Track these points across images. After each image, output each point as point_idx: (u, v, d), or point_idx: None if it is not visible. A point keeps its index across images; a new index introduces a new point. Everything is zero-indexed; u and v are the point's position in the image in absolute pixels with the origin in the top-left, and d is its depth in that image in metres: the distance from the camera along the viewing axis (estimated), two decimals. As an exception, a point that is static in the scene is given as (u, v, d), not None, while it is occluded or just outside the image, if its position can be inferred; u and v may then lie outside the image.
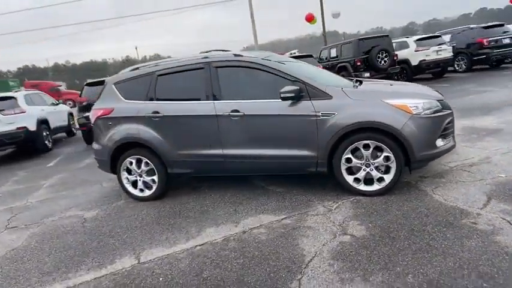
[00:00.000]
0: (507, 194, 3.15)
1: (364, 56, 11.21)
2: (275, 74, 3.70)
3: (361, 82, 4.07)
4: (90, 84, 9.02)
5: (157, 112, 4.04)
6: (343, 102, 3.46)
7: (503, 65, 13.56)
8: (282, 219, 3.34)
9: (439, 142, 3.50)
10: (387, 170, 3.46)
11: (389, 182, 3.46)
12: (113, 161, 4.32)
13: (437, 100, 3.58)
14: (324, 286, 2.27)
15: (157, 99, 4.11)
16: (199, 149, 3.98)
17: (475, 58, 12.70)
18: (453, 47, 12.68)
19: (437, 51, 12.16)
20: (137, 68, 4.43)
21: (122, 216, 3.96)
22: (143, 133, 4.10)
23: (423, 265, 2.33)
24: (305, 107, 3.53)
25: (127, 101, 4.25)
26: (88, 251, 3.23)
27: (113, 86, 4.41)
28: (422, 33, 17.63)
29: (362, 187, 3.56)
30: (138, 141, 4.14)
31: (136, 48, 68.35)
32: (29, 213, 4.52)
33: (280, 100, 3.57)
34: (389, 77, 11.06)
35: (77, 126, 9.90)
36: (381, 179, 3.49)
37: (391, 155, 3.38)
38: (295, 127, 3.60)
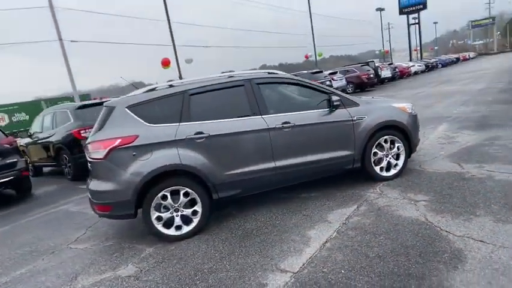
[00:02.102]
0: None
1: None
2: (311, 88, 4.23)
3: None
4: None
5: (201, 132, 3.70)
6: (368, 108, 4.34)
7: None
8: (358, 207, 3.79)
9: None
10: (398, 157, 4.52)
11: (402, 166, 4.51)
12: (138, 199, 3.54)
13: None
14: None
15: (195, 120, 3.76)
16: (250, 165, 3.87)
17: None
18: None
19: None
20: (154, 89, 3.88)
21: (177, 270, 3.28)
22: (185, 158, 3.62)
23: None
24: (342, 114, 4.20)
25: (154, 125, 3.65)
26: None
27: (127, 110, 3.67)
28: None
29: (385, 173, 4.46)
30: (178, 168, 3.61)
31: None
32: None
33: (320, 110, 4.12)
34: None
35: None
36: (396, 165, 4.51)
37: (401, 144, 4.47)
38: (337, 131, 4.19)
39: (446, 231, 2.99)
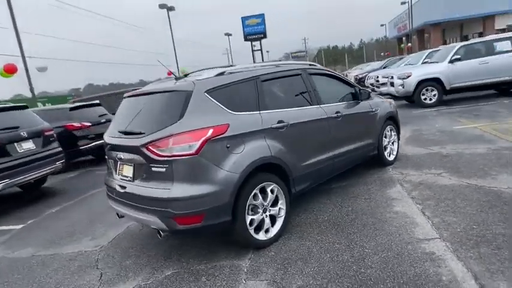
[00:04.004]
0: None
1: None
2: (342, 81, 4.45)
3: None
4: None
5: (282, 121, 3.36)
6: (376, 101, 4.87)
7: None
8: (402, 185, 4.20)
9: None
10: (393, 144, 5.23)
11: (397, 151, 5.24)
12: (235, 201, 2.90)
13: None
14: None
15: (270, 108, 3.37)
16: (317, 155, 3.74)
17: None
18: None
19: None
20: (223, 73, 3.25)
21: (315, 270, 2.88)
22: (274, 149, 3.20)
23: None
24: (367, 105, 4.58)
25: (237, 112, 3.07)
26: None
27: (207, 95, 2.96)
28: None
29: (390, 158, 5.08)
30: (270, 161, 3.16)
31: None
32: None
33: (352, 101, 4.41)
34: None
35: None
36: (392, 150, 5.19)
37: (395, 132, 5.21)
38: (368, 121, 4.55)
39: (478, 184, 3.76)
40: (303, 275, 2.65)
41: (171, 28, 35.56)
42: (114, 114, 3.80)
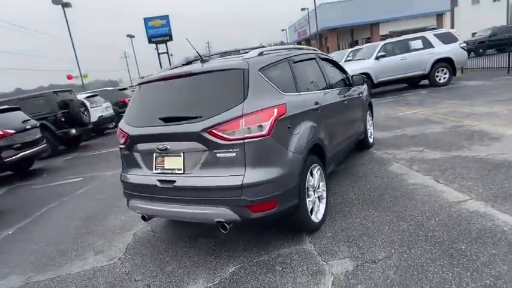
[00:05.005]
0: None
1: (65, 111, 9.76)
2: (338, 67, 4.62)
3: None
4: None
5: (317, 103, 3.35)
6: (361, 88, 5.20)
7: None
8: (394, 162, 4.59)
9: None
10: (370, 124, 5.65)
11: (373, 134, 5.70)
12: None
13: None
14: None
15: (302, 90, 3.32)
16: (339, 136, 3.86)
17: (122, 114, 14.88)
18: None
19: (106, 107, 13.02)
20: (262, 53, 3.06)
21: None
22: (317, 131, 3.18)
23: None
24: (357, 90, 4.85)
25: (285, 93, 2.95)
26: None
27: (260, 73, 2.76)
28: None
29: (371, 141, 5.49)
30: (319, 142, 3.15)
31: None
32: None
33: (347, 87, 4.63)
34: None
35: None
36: (371, 134, 5.62)
37: (371, 111, 5.61)
38: (359, 105, 4.82)
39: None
40: (378, 247, 2.70)
41: (68, 27, 31.78)
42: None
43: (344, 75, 4.72)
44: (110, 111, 13.78)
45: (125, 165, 3.15)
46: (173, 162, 2.73)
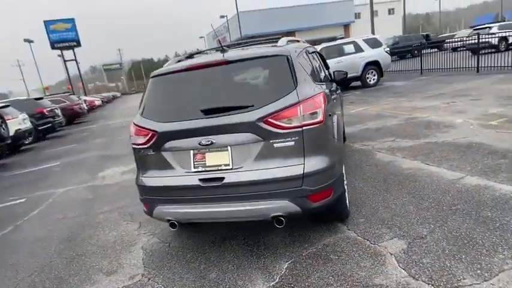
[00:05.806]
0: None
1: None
2: (324, 62, 4.78)
3: None
4: None
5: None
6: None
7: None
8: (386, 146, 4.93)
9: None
10: (341, 123, 5.98)
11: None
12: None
13: None
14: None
15: (316, 80, 3.34)
16: (341, 129, 3.97)
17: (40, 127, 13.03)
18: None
19: (23, 119, 11.23)
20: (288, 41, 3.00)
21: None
22: (338, 119, 3.25)
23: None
24: (336, 86, 5.08)
25: (316, 82, 2.94)
26: None
27: (298, 61, 2.72)
28: None
29: (345, 135, 5.79)
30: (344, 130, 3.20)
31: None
32: None
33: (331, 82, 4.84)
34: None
35: None
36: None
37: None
38: (340, 101, 5.04)
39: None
40: (416, 224, 2.86)
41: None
42: None
43: (328, 70, 4.92)
44: (28, 124, 12.05)
45: (145, 168, 2.79)
46: (218, 158, 2.51)
